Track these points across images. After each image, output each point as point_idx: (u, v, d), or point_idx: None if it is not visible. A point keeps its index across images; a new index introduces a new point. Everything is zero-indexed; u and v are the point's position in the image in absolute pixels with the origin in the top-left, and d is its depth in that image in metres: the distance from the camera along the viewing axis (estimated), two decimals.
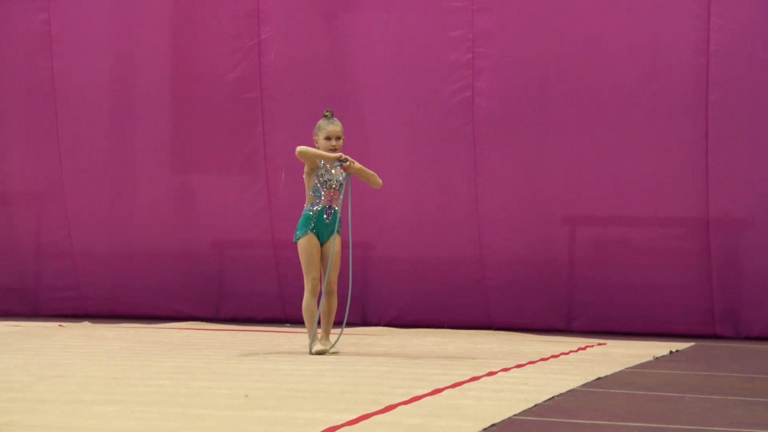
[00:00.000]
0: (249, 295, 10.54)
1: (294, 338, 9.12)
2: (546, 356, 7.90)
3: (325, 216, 7.78)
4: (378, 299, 10.40)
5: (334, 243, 7.75)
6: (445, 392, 5.93)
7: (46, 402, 5.47)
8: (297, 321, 10.29)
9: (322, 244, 7.76)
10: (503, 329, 10.06)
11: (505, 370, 6.99)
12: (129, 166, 10.81)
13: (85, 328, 9.92)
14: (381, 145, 10.31)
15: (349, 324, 10.22)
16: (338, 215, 7.78)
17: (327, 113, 7.91)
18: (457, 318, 10.21)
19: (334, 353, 7.78)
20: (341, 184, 7.80)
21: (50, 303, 10.95)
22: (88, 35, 10.79)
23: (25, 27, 10.81)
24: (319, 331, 7.89)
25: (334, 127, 7.84)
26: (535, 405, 5.56)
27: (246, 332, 9.60)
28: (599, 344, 8.97)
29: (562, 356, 7.99)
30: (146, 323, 10.33)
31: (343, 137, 7.84)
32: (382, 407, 5.35)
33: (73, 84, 10.78)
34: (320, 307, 7.76)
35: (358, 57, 10.37)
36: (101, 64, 10.79)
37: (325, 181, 7.78)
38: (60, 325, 10.04)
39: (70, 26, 10.79)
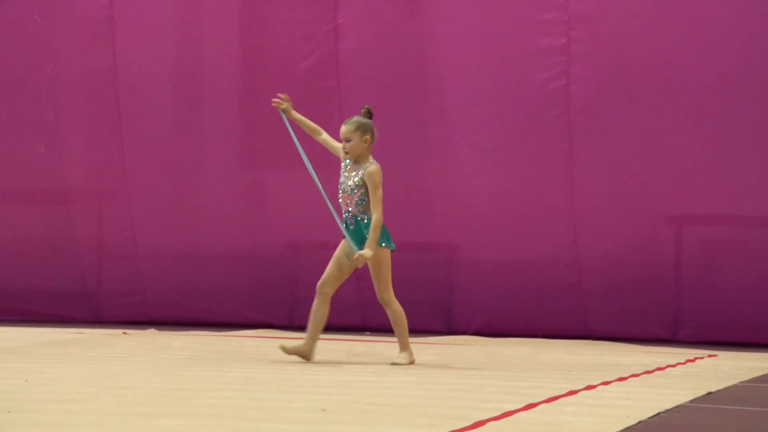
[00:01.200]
0: None
1: (375, 347, 9.11)
2: (650, 368, 7.83)
3: (348, 221, 7.82)
4: (465, 305, 10.36)
5: (377, 253, 7.69)
6: (539, 407, 5.89)
7: (109, 414, 5.52)
8: (377, 329, 10.29)
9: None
10: (602, 338, 9.98)
11: (606, 383, 6.93)
12: (195, 162, 10.87)
13: (150, 335, 10.01)
14: (466, 137, 10.27)
15: (434, 332, 10.23)
16: (365, 223, 7.77)
17: (363, 109, 7.86)
18: (551, 326, 10.14)
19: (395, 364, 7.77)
20: (352, 189, 7.77)
21: (113, 309, 11.05)
22: (151, 21, 10.88)
23: (86, 13, 10.92)
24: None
25: (344, 127, 7.81)
26: (639, 422, 5.50)
27: (322, 341, 9.61)
28: (709, 356, 8.87)
29: (668, 368, 7.91)
30: (215, 331, 10.39)
31: (354, 138, 7.74)
32: (470, 423, 5.33)
33: (135, 73, 10.87)
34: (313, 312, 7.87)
35: (442, 41, 10.33)
36: (165, 52, 10.87)
37: (340, 184, 7.83)
38: (124, 333, 10.14)
39: (132, 11, 10.88)
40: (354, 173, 7.78)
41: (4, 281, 11.12)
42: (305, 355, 7.92)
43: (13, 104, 11.02)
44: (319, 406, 5.80)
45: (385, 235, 7.81)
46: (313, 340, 7.96)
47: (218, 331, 10.42)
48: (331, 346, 9.23)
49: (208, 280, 10.84)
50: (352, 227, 7.81)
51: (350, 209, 7.80)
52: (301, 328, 10.66)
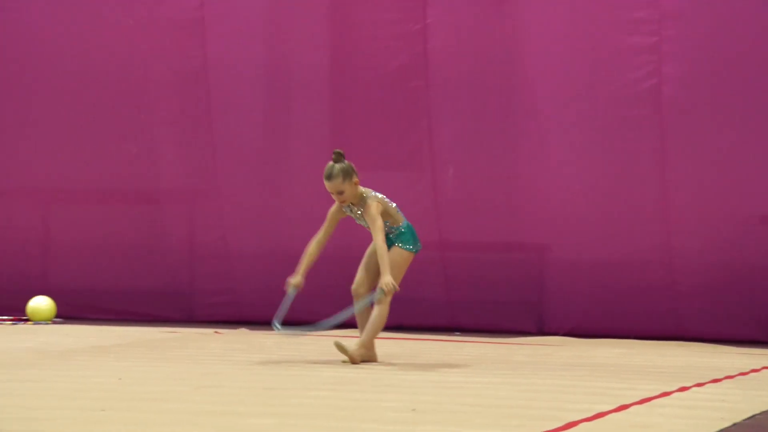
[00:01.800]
0: (415, 301, 10.54)
1: (464, 348, 9.09)
2: (745, 370, 7.72)
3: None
4: (556, 306, 10.30)
5: (393, 252, 7.81)
6: (631, 408, 5.84)
7: (201, 414, 5.56)
8: (466, 329, 10.27)
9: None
10: (696, 340, 9.85)
11: (699, 385, 6.86)
12: (284, 162, 10.92)
13: (242, 335, 10.07)
14: (556, 137, 10.20)
15: (525, 333, 10.18)
16: (394, 235, 7.87)
17: (334, 155, 7.83)
18: (643, 327, 10.04)
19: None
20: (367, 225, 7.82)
21: (205, 308, 11.13)
22: (241, 22, 10.94)
23: (178, 15, 11.01)
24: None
25: (329, 183, 7.78)
26: (734, 424, 5.44)
27: (412, 341, 9.62)
28: None
29: (763, 370, 7.81)
30: (306, 330, 10.41)
31: (345, 188, 7.74)
32: (561, 424, 5.30)
33: (226, 75, 10.94)
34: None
35: (531, 41, 10.28)
36: (255, 53, 10.93)
37: (357, 221, 7.96)
38: (216, 332, 10.21)
39: (223, 11, 10.94)
40: (360, 212, 7.87)
41: (99, 281, 11.25)
42: (371, 358, 7.91)
43: (107, 106, 11.14)
44: (410, 406, 5.80)
45: (411, 237, 7.88)
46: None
47: (309, 330, 10.44)
48: (421, 346, 9.23)
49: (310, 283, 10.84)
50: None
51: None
52: (390, 327, 10.68)
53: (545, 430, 5.14)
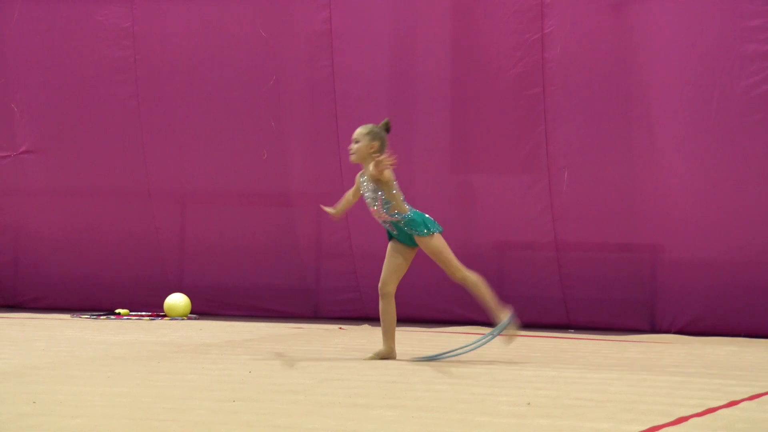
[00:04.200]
0: (531, 299, 10.51)
1: (578, 344, 9.04)
2: None
3: (390, 229, 7.74)
4: (668, 305, 10.19)
5: (427, 244, 7.62)
6: (741, 404, 5.77)
7: (325, 405, 5.62)
8: (581, 327, 10.21)
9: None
10: None
11: None
12: (407, 166, 10.94)
13: (365, 331, 10.14)
14: (670, 141, 10.10)
15: (638, 330, 10.09)
16: (403, 223, 7.64)
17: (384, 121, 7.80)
18: (755, 325, 9.89)
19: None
20: (373, 199, 7.66)
21: (330, 305, 11.22)
22: (367, 32, 11.01)
23: (307, 26, 11.12)
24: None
25: (358, 129, 7.77)
26: None
27: (528, 338, 9.59)
28: None
29: None
30: (425, 327, 10.45)
31: (362, 141, 7.68)
32: (672, 419, 5.25)
33: (352, 82, 11.01)
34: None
35: (646, 49, 10.18)
36: (380, 62, 10.98)
37: (366, 202, 7.76)
38: (340, 328, 10.29)
39: (350, 23, 11.02)
40: (366, 182, 7.72)
41: (231, 279, 11.40)
42: (389, 355, 7.77)
43: (242, 114, 11.27)
44: (525, 400, 5.79)
45: (428, 222, 7.67)
46: (391, 340, 7.80)
47: (429, 327, 10.48)
48: (536, 343, 9.20)
49: (419, 279, 10.89)
50: (395, 232, 7.72)
51: (384, 218, 7.70)
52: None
53: (657, 424, 5.10)
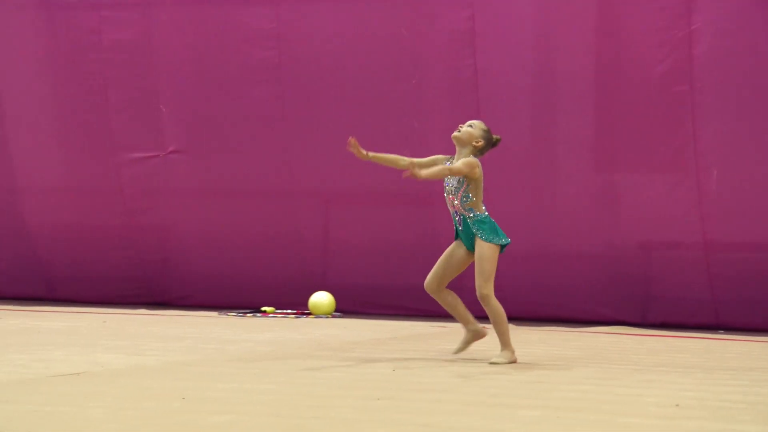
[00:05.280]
0: (678, 300, 10.35)
1: (728, 346, 8.88)
2: None
3: (457, 222, 7.61)
4: None
5: (481, 247, 7.49)
6: None
7: (470, 404, 5.61)
8: (731, 327, 10.02)
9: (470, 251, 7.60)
10: None
11: None
12: (551, 165, 10.87)
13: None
14: None
15: None
16: (472, 220, 7.53)
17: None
18: None
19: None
20: (456, 188, 7.55)
21: (470, 304, 11.16)
22: (510, 30, 10.95)
23: (450, 25, 11.10)
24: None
25: (475, 120, 7.79)
26: None
27: (677, 338, 9.45)
28: None
29: None
30: (566, 327, 10.36)
31: (474, 131, 7.64)
32: None
33: (495, 82, 10.97)
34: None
35: None
36: (523, 61, 10.91)
37: (445, 186, 7.65)
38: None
39: (493, 22, 10.98)
40: (449, 161, 7.65)
41: (374, 277, 11.43)
42: (478, 337, 7.77)
43: (383, 114, 11.31)
44: (673, 401, 5.70)
45: (494, 230, 7.55)
46: (470, 323, 7.78)
47: (570, 326, 10.39)
48: (685, 343, 9.06)
49: (560, 278, 10.80)
50: (461, 228, 7.61)
51: (456, 209, 7.60)
52: (653, 325, 10.53)
53: None
